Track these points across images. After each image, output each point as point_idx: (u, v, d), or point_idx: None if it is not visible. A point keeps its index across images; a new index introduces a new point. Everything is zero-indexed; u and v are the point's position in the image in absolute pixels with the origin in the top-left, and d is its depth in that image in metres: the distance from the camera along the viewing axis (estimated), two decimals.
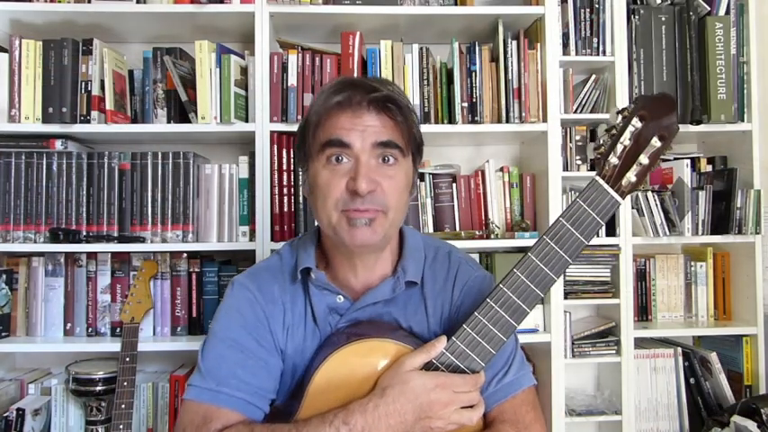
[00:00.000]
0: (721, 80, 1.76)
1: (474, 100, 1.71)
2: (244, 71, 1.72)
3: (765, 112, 1.82)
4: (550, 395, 1.69)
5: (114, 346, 1.62)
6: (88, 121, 1.64)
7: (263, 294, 0.97)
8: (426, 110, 1.71)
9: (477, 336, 0.87)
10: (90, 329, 1.70)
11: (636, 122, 0.85)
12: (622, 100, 1.76)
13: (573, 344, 1.77)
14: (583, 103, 1.81)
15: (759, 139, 1.80)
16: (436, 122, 1.71)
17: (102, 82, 1.65)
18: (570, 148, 1.79)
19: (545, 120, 1.72)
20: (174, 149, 1.72)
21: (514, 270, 0.87)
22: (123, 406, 1.54)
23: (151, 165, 1.70)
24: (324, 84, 1.67)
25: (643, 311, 1.89)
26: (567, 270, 1.76)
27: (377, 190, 0.89)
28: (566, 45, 1.78)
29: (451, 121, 1.72)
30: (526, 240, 1.69)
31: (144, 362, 1.82)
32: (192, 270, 1.72)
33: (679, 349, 1.84)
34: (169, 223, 1.69)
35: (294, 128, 1.67)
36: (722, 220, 1.79)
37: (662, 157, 0.87)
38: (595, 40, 1.77)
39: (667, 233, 1.76)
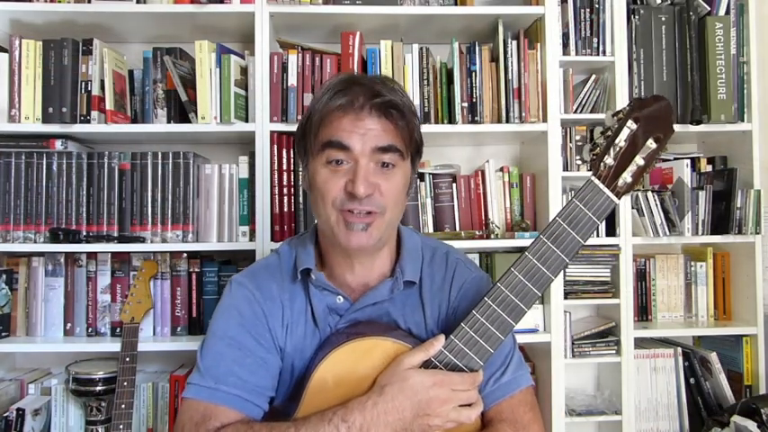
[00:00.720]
0: (721, 80, 1.76)
1: (474, 100, 1.71)
2: (244, 71, 1.72)
3: (765, 112, 1.82)
4: (550, 395, 1.69)
5: (114, 346, 1.62)
6: (88, 121, 1.64)
7: (262, 292, 0.97)
8: (426, 110, 1.71)
9: (476, 335, 0.87)
10: (90, 329, 1.70)
11: (631, 124, 0.86)
12: (622, 100, 1.76)
13: (573, 344, 1.77)
14: (583, 103, 1.81)
15: (759, 139, 1.80)
16: (436, 122, 1.71)
17: (102, 82, 1.65)
18: (570, 148, 1.79)
19: (545, 120, 1.72)
20: (174, 149, 1.72)
21: (512, 269, 0.88)
22: (123, 406, 1.54)
23: (151, 165, 1.70)
24: (324, 84, 1.67)
25: (643, 311, 1.89)
26: (568, 270, 1.77)
27: (374, 193, 0.90)
28: (566, 45, 1.78)
29: (451, 121, 1.72)
30: (526, 240, 1.69)
31: (144, 362, 1.82)
32: (191, 270, 1.72)
33: (679, 349, 1.83)
34: (169, 223, 1.69)
35: (294, 128, 1.66)
36: (722, 220, 1.79)
37: (660, 157, 0.88)
38: (595, 40, 1.77)
39: (667, 233, 1.76)
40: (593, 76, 1.82)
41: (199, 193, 1.72)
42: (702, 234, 1.78)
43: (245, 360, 0.92)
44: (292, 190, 1.68)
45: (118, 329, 1.69)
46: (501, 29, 1.73)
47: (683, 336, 1.90)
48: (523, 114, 1.71)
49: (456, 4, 1.77)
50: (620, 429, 1.75)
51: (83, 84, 1.64)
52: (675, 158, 1.86)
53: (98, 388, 1.62)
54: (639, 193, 1.76)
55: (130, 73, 1.77)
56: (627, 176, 0.86)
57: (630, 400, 1.76)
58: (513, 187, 1.82)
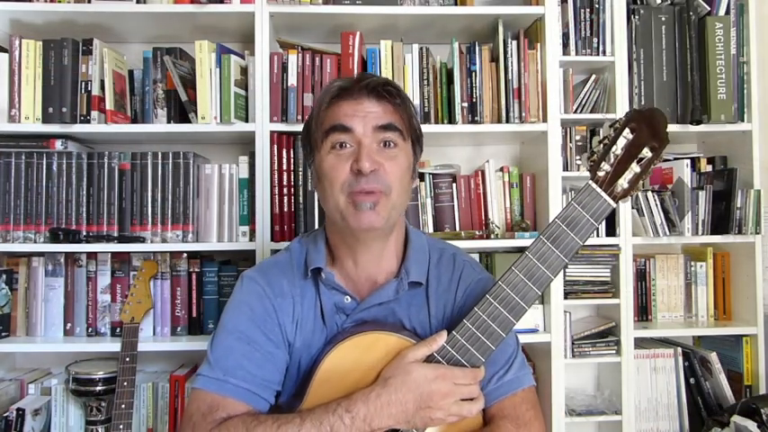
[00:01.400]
0: (721, 80, 1.76)
1: (474, 100, 1.71)
2: (244, 71, 1.72)
3: (765, 112, 1.82)
4: (550, 395, 1.69)
5: (114, 346, 1.62)
6: (88, 121, 1.64)
7: (273, 288, 0.99)
8: (426, 110, 1.71)
9: (477, 331, 0.90)
10: (90, 329, 1.70)
11: (627, 134, 0.90)
12: (622, 100, 1.76)
13: (573, 344, 1.77)
14: (583, 103, 1.81)
15: (759, 139, 1.80)
16: (436, 122, 1.71)
17: (102, 82, 1.65)
18: (570, 148, 1.79)
19: (545, 120, 1.72)
20: (174, 149, 1.72)
21: (513, 268, 0.90)
22: (123, 406, 1.54)
23: (151, 165, 1.70)
24: (324, 84, 1.68)
25: (643, 311, 1.89)
26: (568, 270, 1.77)
27: (380, 170, 0.92)
28: (566, 45, 1.78)
29: (451, 121, 1.72)
30: (526, 240, 1.69)
31: (144, 362, 1.82)
32: (192, 270, 1.72)
33: (679, 349, 1.83)
34: (169, 223, 1.69)
35: (294, 128, 1.67)
36: (722, 220, 1.79)
37: (657, 161, 0.91)
38: (595, 40, 1.77)
39: (667, 233, 1.76)
40: (593, 76, 1.82)
41: (199, 193, 1.72)
42: (702, 234, 1.78)
43: (254, 354, 0.94)
44: (292, 190, 1.68)
45: (118, 329, 1.69)
46: (501, 29, 1.73)
47: (683, 336, 1.90)
48: (523, 114, 1.71)
49: (456, 4, 1.77)
50: (620, 429, 1.75)
51: (83, 84, 1.64)
52: (675, 158, 1.86)
53: (98, 388, 1.62)
54: (639, 194, 1.76)
55: (130, 73, 1.77)
56: (624, 182, 0.90)
57: (630, 400, 1.76)
58: (513, 187, 1.82)
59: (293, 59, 1.68)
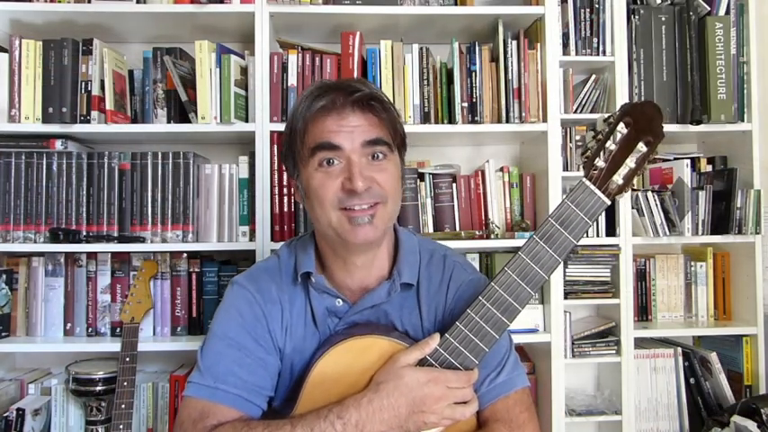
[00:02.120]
0: (721, 80, 1.76)
1: (474, 100, 1.71)
2: (244, 71, 1.72)
3: (765, 112, 1.82)
4: (550, 395, 1.69)
5: (114, 346, 1.62)
6: (88, 121, 1.64)
7: (262, 294, 0.98)
8: (426, 110, 1.71)
9: (470, 333, 0.89)
10: (90, 329, 1.70)
11: (621, 128, 0.88)
12: (622, 100, 1.76)
13: (573, 344, 1.77)
14: (583, 103, 1.81)
15: (759, 139, 1.80)
16: (436, 122, 1.71)
17: (102, 82, 1.65)
18: (570, 148, 1.79)
19: (545, 120, 1.72)
20: (174, 149, 1.72)
21: (506, 269, 0.89)
22: (123, 406, 1.54)
23: (151, 165, 1.70)
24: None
25: (643, 311, 1.89)
26: (568, 270, 1.77)
27: (373, 185, 0.91)
28: (566, 45, 1.78)
29: (451, 121, 1.72)
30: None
31: (144, 362, 1.82)
32: (191, 270, 1.72)
33: (679, 349, 1.83)
34: (169, 223, 1.69)
35: None
36: (722, 220, 1.79)
37: (655, 159, 0.90)
38: (595, 40, 1.77)
39: (667, 233, 1.76)
40: (593, 76, 1.82)
41: (199, 193, 1.72)
42: (702, 234, 1.78)
43: (245, 360, 0.93)
44: (292, 190, 1.68)
45: (118, 329, 1.69)
46: (501, 29, 1.73)
47: (683, 336, 1.90)
48: (523, 114, 1.71)
49: (456, 4, 1.77)
50: (620, 429, 1.75)
51: (83, 84, 1.64)
52: (675, 158, 1.86)
53: (98, 388, 1.62)
54: (639, 193, 1.76)
55: (130, 73, 1.77)
56: (618, 179, 0.88)
57: (630, 400, 1.76)
58: (513, 187, 1.82)
59: (293, 59, 1.68)
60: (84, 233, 1.67)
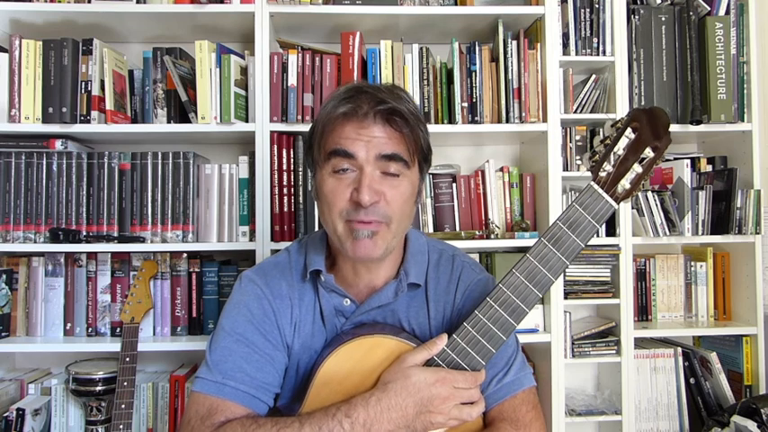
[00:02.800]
0: (721, 80, 1.76)
1: (474, 100, 1.71)
2: (244, 71, 1.72)
3: (765, 112, 1.82)
4: (550, 395, 1.69)
5: (114, 346, 1.62)
6: (88, 121, 1.64)
7: (271, 290, 0.98)
8: (426, 110, 1.71)
9: (478, 334, 0.89)
10: (90, 329, 1.70)
11: (629, 133, 0.88)
12: (622, 100, 1.76)
13: (573, 344, 1.77)
14: (583, 103, 1.81)
15: (759, 139, 1.80)
16: (436, 122, 1.71)
17: (102, 82, 1.65)
18: (570, 148, 1.79)
19: (545, 120, 1.72)
20: (174, 149, 1.72)
21: (513, 270, 0.89)
22: (123, 406, 1.54)
23: (151, 165, 1.70)
24: (324, 84, 1.68)
25: (643, 311, 1.89)
26: (568, 270, 1.77)
27: (380, 201, 0.90)
28: (566, 45, 1.78)
29: (451, 121, 1.72)
30: (526, 240, 1.69)
31: (144, 362, 1.82)
32: (191, 270, 1.72)
33: (679, 349, 1.84)
34: (169, 223, 1.69)
35: (294, 128, 1.67)
36: (722, 220, 1.79)
37: (659, 161, 0.90)
38: (595, 40, 1.77)
39: (667, 233, 1.76)
40: (593, 76, 1.82)
41: (199, 193, 1.72)
42: (702, 234, 1.78)
43: (253, 356, 0.93)
44: (292, 190, 1.68)
45: (118, 329, 1.69)
46: (501, 29, 1.73)
47: (683, 336, 1.90)
48: (523, 114, 1.71)
49: (456, 4, 1.77)
50: (620, 429, 1.75)
51: (83, 84, 1.64)
52: (675, 158, 1.86)
53: (98, 388, 1.62)
54: (640, 194, 1.76)
55: (130, 73, 1.77)
56: (625, 183, 0.89)
57: (630, 400, 1.76)
58: (513, 187, 1.82)
59: (293, 59, 1.68)
60: (84, 233, 1.67)
